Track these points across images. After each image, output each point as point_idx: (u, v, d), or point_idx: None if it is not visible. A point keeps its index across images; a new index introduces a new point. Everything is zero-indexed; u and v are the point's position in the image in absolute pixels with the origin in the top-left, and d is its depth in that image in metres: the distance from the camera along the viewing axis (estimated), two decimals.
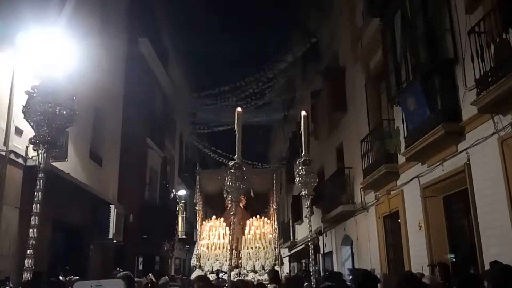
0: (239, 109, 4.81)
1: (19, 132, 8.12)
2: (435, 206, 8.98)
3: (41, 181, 2.70)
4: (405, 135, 9.31)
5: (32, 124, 2.71)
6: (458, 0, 7.67)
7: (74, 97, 2.82)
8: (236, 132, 4.74)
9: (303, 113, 5.00)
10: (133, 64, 15.15)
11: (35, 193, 2.68)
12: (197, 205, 12.80)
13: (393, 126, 10.50)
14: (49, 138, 2.70)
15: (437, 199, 8.99)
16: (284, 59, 18.66)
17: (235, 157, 4.69)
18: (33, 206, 2.69)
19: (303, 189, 4.68)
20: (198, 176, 12.91)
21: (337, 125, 15.30)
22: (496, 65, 6.28)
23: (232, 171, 4.57)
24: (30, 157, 8.29)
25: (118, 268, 9.53)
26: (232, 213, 4.76)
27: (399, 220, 10.38)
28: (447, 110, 7.79)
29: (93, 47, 10.18)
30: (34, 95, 2.68)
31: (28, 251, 2.59)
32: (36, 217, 2.66)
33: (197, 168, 13.80)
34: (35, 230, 2.63)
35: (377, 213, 11.76)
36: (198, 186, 12.79)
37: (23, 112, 2.72)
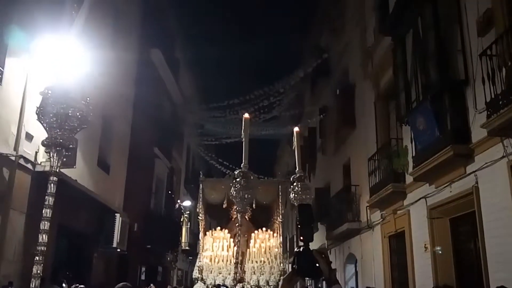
0: (246, 115, 4.69)
1: (29, 137, 8.20)
2: (441, 227, 8.89)
3: (52, 184, 2.67)
4: (413, 154, 9.27)
5: (45, 125, 2.69)
6: (471, 22, 7.68)
7: (87, 99, 2.81)
8: (243, 139, 4.63)
9: (296, 129, 4.98)
10: (143, 73, 15.27)
11: (46, 197, 2.65)
12: (200, 215, 12.54)
13: (401, 145, 10.46)
14: (61, 140, 2.67)
15: (444, 221, 8.91)
16: (294, 74, 18.72)
17: (241, 165, 4.55)
18: (44, 210, 2.65)
19: None
20: (201, 185, 12.62)
21: (345, 141, 15.28)
22: (507, 89, 6.26)
23: (238, 180, 4.43)
24: (39, 162, 8.35)
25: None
26: (237, 224, 4.62)
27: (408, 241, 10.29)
28: (457, 131, 7.75)
29: (105, 55, 10.28)
30: (49, 95, 2.67)
31: (37, 257, 2.55)
32: (46, 223, 2.63)
33: (201, 176, 13.45)
34: (44, 235, 2.60)
35: (382, 232, 11.67)
36: (201, 195, 12.51)
37: (36, 114, 2.70)
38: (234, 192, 4.51)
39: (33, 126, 8.27)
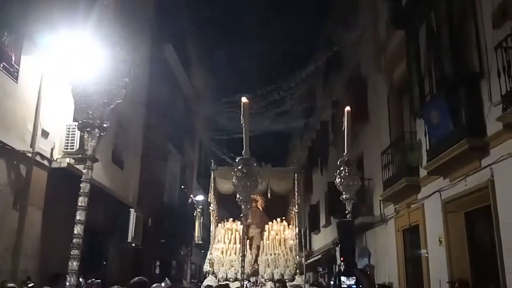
0: (244, 99, 4.52)
1: (45, 134, 8.30)
2: (456, 221, 8.85)
3: (89, 170, 2.59)
4: (427, 148, 9.22)
5: (80, 106, 2.65)
6: (485, 14, 7.60)
7: (125, 79, 2.76)
8: (243, 125, 4.47)
9: (347, 108, 4.62)
10: (156, 69, 15.31)
11: (82, 184, 2.55)
12: (211, 205, 12.07)
13: (415, 138, 10.40)
14: (97, 119, 2.59)
15: (458, 214, 8.86)
16: (306, 68, 18.64)
17: (243, 152, 4.42)
18: (80, 199, 2.55)
19: (344, 193, 4.27)
20: (212, 173, 11.91)
21: (358, 135, 15.18)
22: None
23: (239, 167, 4.28)
24: (55, 159, 8.46)
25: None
26: (241, 214, 4.50)
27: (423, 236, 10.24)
28: (472, 124, 7.69)
29: (118, 51, 10.29)
30: (80, 78, 2.64)
31: (73, 252, 2.45)
32: (82, 212, 2.55)
33: (212, 165, 12.54)
34: (79, 227, 2.51)
35: (396, 226, 11.64)
36: (212, 184, 11.84)
37: (73, 97, 2.67)
38: (236, 181, 4.37)
39: (48, 123, 8.38)
